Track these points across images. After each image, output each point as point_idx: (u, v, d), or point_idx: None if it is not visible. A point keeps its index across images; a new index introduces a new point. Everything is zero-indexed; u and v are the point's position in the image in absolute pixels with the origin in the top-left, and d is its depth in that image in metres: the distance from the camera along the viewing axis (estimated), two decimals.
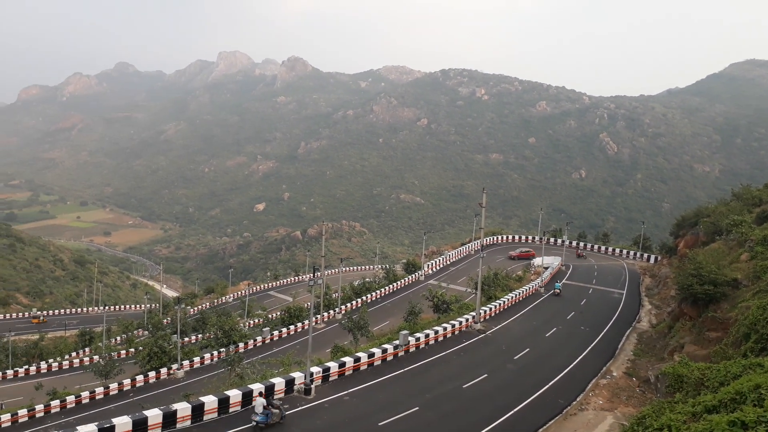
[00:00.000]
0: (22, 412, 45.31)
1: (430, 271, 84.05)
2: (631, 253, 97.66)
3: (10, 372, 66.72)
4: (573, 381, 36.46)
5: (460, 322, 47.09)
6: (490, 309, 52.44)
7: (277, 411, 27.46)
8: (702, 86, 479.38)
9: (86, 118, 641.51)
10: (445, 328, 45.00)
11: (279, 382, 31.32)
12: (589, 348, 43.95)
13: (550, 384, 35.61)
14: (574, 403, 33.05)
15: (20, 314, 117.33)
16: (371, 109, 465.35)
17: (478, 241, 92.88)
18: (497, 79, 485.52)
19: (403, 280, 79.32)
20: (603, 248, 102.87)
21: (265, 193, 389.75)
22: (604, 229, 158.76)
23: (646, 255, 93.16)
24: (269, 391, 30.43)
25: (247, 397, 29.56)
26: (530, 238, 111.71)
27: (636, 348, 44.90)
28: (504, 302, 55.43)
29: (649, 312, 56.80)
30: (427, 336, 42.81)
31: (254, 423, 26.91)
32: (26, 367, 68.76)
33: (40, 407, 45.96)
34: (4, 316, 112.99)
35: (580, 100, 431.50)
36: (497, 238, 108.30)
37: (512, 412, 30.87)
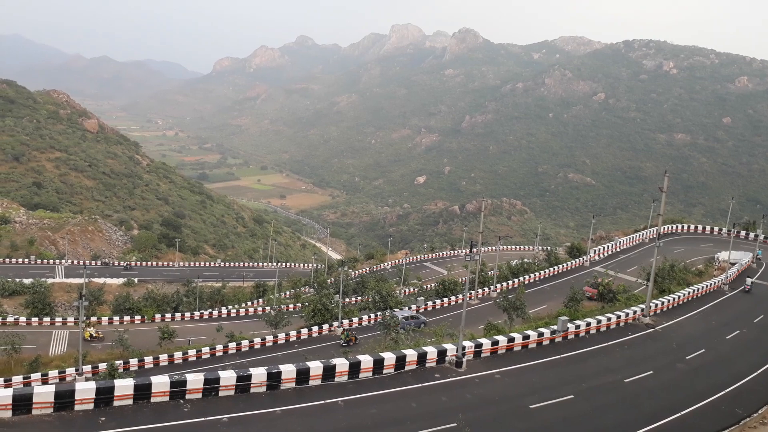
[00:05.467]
0: (205, 350, 51.28)
1: (597, 258, 79.45)
2: None
3: (197, 314, 75.52)
4: (755, 391, 32.45)
5: (627, 314, 43.99)
6: (663, 303, 48.26)
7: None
8: None
9: (269, 89, 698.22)
10: (609, 318, 42.37)
11: (432, 352, 31.80)
12: None
13: (727, 390, 32.04)
14: (756, 415, 29.39)
15: (207, 263, 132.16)
16: (543, 81, 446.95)
17: (655, 229, 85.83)
18: (689, 51, 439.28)
19: (565, 264, 75.91)
20: None
21: (426, 166, 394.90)
22: None
23: None
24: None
25: (401, 361, 30.44)
26: (716, 229, 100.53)
27: None
28: (679, 297, 50.68)
29: None
30: (588, 324, 40.62)
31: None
32: (210, 310, 77.29)
33: (219, 347, 51.65)
34: (195, 264, 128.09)
35: None
36: (677, 226, 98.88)
37: (679, 414, 28.29)
